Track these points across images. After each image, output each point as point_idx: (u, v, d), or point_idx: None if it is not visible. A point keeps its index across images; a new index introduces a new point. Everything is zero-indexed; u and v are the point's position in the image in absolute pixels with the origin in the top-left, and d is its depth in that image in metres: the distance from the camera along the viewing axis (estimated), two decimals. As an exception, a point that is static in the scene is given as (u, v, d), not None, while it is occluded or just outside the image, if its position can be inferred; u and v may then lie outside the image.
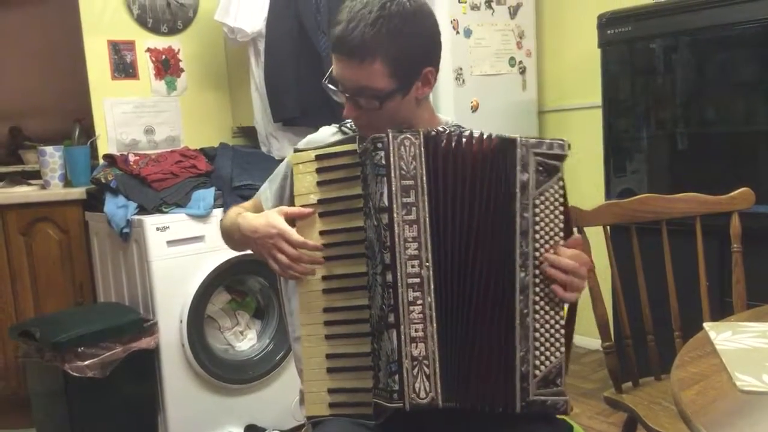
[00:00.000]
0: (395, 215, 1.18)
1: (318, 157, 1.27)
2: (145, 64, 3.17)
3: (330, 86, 1.35)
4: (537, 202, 1.20)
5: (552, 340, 1.20)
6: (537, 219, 1.20)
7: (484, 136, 1.22)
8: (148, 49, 3.17)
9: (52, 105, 3.72)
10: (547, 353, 1.20)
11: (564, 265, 1.20)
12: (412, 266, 1.18)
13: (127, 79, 3.13)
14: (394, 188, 1.18)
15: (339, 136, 1.45)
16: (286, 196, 1.47)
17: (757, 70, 2.38)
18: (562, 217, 1.21)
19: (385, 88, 1.28)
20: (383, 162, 1.19)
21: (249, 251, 1.40)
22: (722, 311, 2.15)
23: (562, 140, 1.22)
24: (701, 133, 2.55)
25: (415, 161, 1.20)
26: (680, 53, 2.56)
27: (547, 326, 1.21)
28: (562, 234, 1.22)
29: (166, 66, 3.22)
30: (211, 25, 3.16)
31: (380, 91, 1.28)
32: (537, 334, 1.20)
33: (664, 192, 1.83)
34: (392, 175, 1.19)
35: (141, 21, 3.14)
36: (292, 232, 1.26)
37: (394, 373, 1.16)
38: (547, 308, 1.21)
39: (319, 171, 1.27)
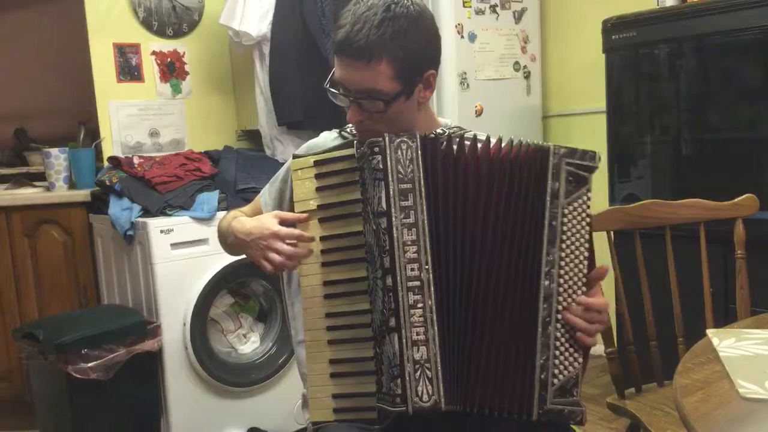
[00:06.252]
0: (394, 219, 1.18)
1: (316, 163, 1.28)
2: (150, 67, 3.17)
3: (332, 89, 1.34)
4: (566, 211, 1.20)
5: (571, 350, 1.20)
6: (565, 228, 1.20)
7: (514, 142, 1.22)
8: (154, 52, 3.18)
9: (57, 107, 3.73)
10: (566, 363, 1.20)
11: (589, 317, 1.21)
12: (412, 269, 1.17)
13: (132, 81, 3.14)
14: (392, 192, 1.18)
15: (339, 141, 1.44)
16: (285, 199, 1.47)
17: (762, 76, 2.37)
18: (588, 228, 1.21)
19: (391, 90, 1.27)
20: (380, 166, 1.19)
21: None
22: (726, 318, 2.15)
23: (594, 152, 1.22)
24: (706, 139, 2.55)
25: (412, 164, 1.19)
26: (685, 59, 2.56)
27: (568, 336, 1.20)
28: (587, 245, 1.21)
29: (171, 69, 3.23)
30: (216, 29, 3.17)
31: (386, 94, 1.27)
32: (558, 343, 1.20)
33: (668, 198, 1.83)
34: (390, 179, 1.19)
35: (146, 24, 3.15)
36: (285, 229, 1.26)
37: (396, 377, 1.16)
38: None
39: (318, 177, 1.27)
